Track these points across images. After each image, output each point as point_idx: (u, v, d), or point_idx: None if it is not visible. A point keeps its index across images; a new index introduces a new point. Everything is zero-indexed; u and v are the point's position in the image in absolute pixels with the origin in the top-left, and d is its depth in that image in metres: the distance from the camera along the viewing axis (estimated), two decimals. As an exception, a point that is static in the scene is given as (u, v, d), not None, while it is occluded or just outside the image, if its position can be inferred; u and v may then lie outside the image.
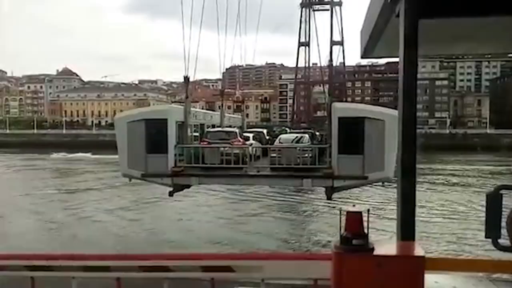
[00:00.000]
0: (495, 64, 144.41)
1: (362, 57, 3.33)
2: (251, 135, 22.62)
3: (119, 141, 16.90)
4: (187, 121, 18.00)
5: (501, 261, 2.33)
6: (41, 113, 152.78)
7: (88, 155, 66.80)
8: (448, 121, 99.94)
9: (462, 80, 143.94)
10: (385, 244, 2.29)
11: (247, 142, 19.47)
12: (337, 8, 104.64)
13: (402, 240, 1.91)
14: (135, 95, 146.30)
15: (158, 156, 16.23)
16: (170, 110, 17.88)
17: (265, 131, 26.89)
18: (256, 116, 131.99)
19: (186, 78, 21.01)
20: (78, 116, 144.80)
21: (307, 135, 20.41)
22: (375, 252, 2.22)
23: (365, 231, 2.28)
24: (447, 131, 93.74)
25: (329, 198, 16.50)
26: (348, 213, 2.29)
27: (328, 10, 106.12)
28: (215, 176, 17.29)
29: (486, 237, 2.32)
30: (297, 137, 19.74)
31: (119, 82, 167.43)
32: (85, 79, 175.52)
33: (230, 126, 24.36)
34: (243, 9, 40.57)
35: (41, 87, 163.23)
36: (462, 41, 2.99)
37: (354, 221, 2.26)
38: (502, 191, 2.29)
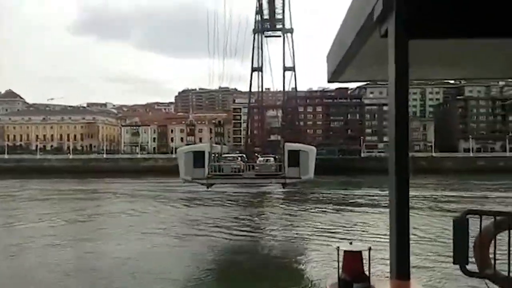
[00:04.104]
0: (438, 90, 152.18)
1: (329, 81, 2.90)
2: (239, 157, 41.15)
3: (180, 161, 30.46)
4: (211, 152, 31.42)
5: None
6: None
7: None
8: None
9: (408, 106, 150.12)
10: (386, 285, 2.08)
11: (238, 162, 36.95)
12: (289, 35, 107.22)
13: (398, 278, 1.87)
14: (83, 118, 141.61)
15: (199, 169, 29.63)
16: (205, 146, 32.72)
17: (244, 155, 44.58)
18: (210, 140, 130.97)
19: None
20: (21, 140, 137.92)
21: (272, 158, 41.01)
22: None
23: (366, 273, 2.10)
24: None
25: (284, 187, 34.03)
26: (346, 252, 2.07)
27: (280, 36, 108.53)
28: (228, 179, 32.53)
29: (454, 263, 2.30)
30: (268, 159, 40.93)
31: (66, 105, 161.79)
32: (30, 101, 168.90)
33: (224, 152, 40.19)
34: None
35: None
36: (455, 65, 2.85)
37: (354, 261, 2.09)
38: (468, 216, 2.31)
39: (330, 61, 2.97)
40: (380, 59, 2.49)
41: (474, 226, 2.40)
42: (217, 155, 33.94)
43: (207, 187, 31.57)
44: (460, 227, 2.28)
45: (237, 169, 32.90)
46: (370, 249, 2.10)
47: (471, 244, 2.40)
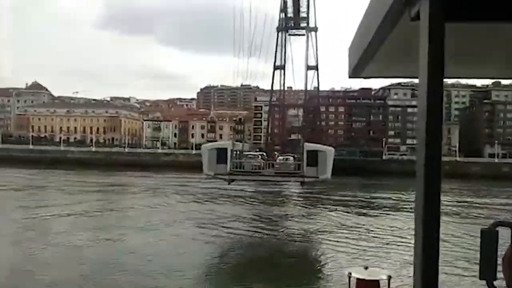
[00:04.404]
0: (464, 93, 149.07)
1: (350, 77, 2.78)
2: (259, 155, 42.58)
3: (204, 157, 31.76)
4: (233, 149, 32.36)
5: None
6: (7, 128, 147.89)
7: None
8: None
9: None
10: None
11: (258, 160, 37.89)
12: (313, 33, 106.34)
13: None
14: (106, 112, 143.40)
15: (222, 165, 30.88)
16: (228, 144, 33.31)
17: (264, 153, 45.73)
18: (230, 137, 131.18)
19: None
20: (46, 131, 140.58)
21: (291, 157, 41.47)
22: None
23: None
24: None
25: (302, 185, 35.25)
26: (360, 281, 1.84)
27: (304, 35, 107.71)
28: (248, 175, 33.59)
29: (480, 278, 2.11)
30: (287, 158, 41.66)
31: (90, 99, 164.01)
32: (55, 94, 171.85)
33: (245, 150, 41.28)
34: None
35: (9, 100, 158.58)
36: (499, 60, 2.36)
37: None
38: (498, 228, 2.12)
39: (351, 55, 2.58)
40: (409, 50, 2.08)
41: (503, 240, 2.10)
42: (238, 152, 34.89)
43: (228, 183, 32.84)
44: (488, 239, 2.04)
45: (257, 166, 34.05)
46: (390, 278, 1.71)
47: (499, 258, 2.12)
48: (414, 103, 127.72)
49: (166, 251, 20.38)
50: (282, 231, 27.13)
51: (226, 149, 31.69)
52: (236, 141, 42.11)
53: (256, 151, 53.69)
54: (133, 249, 20.52)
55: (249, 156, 39.61)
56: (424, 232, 1.22)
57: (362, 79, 2.81)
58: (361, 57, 2.22)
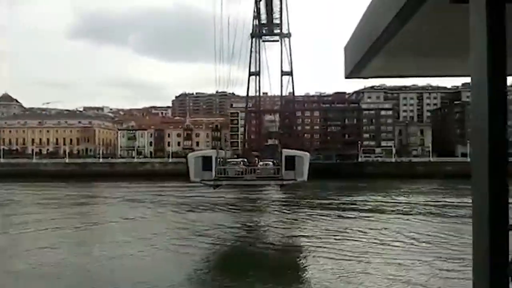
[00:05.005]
0: (435, 95, 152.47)
1: (346, 77, 2.57)
2: (241, 161, 42.97)
3: (190, 165, 33.05)
4: (217, 157, 34.68)
5: None
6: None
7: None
8: (394, 149, 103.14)
9: (405, 111, 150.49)
10: None
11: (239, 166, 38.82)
12: (286, 39, 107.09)
13: None
14: (79, 122, 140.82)
15: (208, 172, 32.72)
16: (213, 152, 36.11)
17: (245, 159, 46.03)
18: (207, 144, 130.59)
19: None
20: (17, 144, 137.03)
21: (271, 162, 43.20)
22: None
23: None
24: (393, 160, 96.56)
25: (281, 188, 38.67)
26: None
27: (277, 41, 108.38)
28: (232, 180, 35.78)
29: None
30: (267, 163, 42.97)
31: (62, 109, 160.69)
32: (26, 105, 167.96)
33: (228, 157, 46.38)
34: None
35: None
36: None
37: None
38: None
39: (350, 53, 2.33)
40: (424, 45, 1.91)
41: None
42: (222, 159, 37.51)
43: (214, 188, 35.98)
44: None
45: (240, 172, 36.36)
46: None
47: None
48: (386, 106, 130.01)
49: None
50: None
51: (211, 157, 33.81)
52: (220, 149, 44.84)
53: (234, 157, 56.88)
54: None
55: (232, 162, 41.94)
56: (492, 241, 0.99)
57: (361, 79, 2.60)
58: (363, 55, 1.98)
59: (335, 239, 25.64)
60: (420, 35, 1.77)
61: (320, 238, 26.21)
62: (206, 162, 32.94)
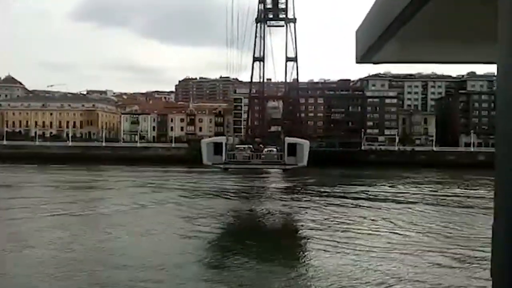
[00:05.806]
0: (440, 84, 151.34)
1: (358, 62, 2.51)
2: (248, 147, 48.76)
3: (203, 150, 37.59)
4: (227, 143, 38.52)
5: None
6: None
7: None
8: (397, 138, 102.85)
9: (409, 99, 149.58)
10: None
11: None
12: (292, 25, 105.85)
13: None
14: (83, 105, 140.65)
15: (219, 156, 37.10)
16: (223, 139, 41.04)
17: (251, 146, 50.96)
18: (210, 129, 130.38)
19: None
20: (21, 126, 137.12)
21: (274, 149, 47.45)
22: None
23: None
24: (396, 148, 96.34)
25: (284, 172, 44.14)
26: None
27: (283, 26, 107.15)
28: (240, 164, 40.83)
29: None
30: (271, 150, 47.49)
31: (65, 92, 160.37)
32: (30, 88, 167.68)
33: (236, 144, 50.54)
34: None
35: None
36: None
37: None
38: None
39: (361, 37, 2.15)
40: (444, 28, 1.77)
41: None
42: (230, 145, 42.56)
43: (224, 170, 41.68)
44: None
45: (247, 157, 41.29)
46: None
47: None
48: (391, 94, 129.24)
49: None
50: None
51: (221, 143, 38.27)
52: (219, 134, 47.48)
53: (244, 145, 63.52)
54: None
55: (240, 148, 47.80)
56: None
57: (373, 64, 2.41)
58: (376, 39, 1.85)
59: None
60: (438, 19, 1.71)
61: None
62: (217, 147, 37.32)
